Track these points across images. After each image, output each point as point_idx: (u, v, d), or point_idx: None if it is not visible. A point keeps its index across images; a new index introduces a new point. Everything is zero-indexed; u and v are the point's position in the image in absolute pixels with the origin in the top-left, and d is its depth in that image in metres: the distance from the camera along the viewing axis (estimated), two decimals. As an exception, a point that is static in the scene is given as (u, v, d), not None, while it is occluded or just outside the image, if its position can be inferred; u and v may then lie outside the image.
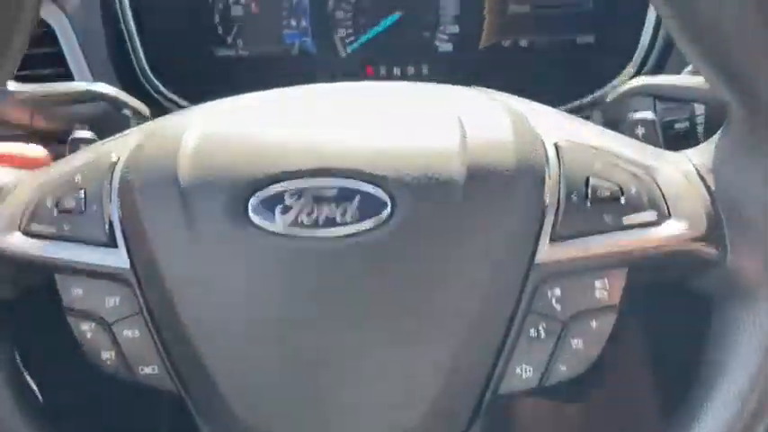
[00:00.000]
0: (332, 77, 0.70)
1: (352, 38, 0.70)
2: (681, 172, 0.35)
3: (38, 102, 0.45)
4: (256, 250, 0.33)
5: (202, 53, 0.70)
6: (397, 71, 0.71)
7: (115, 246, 0.35)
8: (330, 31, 0.70)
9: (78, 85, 0.47)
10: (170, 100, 0.64)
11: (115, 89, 0.48)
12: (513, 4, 0.68)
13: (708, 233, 0.33)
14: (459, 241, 0.33)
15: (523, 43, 0.69)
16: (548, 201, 0.34)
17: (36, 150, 0.46)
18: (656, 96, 0.43)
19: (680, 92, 0.43)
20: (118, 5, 0.59)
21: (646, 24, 0.60)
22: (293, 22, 0.70)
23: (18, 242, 0.36)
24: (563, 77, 0.67)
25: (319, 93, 0.40)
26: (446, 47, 0.70)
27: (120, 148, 0.37)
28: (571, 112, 0.61)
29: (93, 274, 0.36)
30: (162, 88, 0.63)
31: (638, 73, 0.58)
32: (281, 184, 0.33)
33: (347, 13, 0.69)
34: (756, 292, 0.33)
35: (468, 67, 0.69)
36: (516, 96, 0.41)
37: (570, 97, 0.64)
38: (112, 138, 0.39)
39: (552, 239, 0.33)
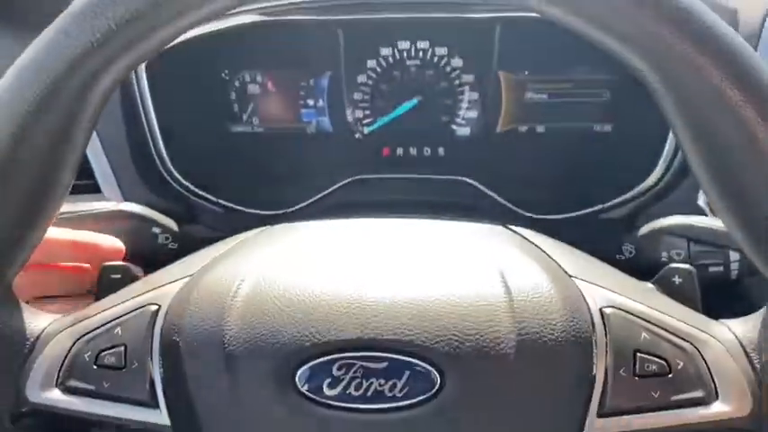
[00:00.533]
0: (348, 157, 0.70)
1: (369, 119, 0.70)
2: (726, 346, 0.35)
3: (67, 221, 0.44)
4: (303, 421, 0.33)
5: (218, 131, 0.70)
6: (413, 152, 0.71)
7: (156, 406, 0.35)
8: (347, 111, 0.69)
9: (108, 205, 0.47)
10: (197, 195, 0.63)
11: (143, 207, 0.47)
12: (530, 91, 0.69)
13: (754, 414, 0.34)
14: (507, 416, 0.33)
15: (540, 129, 0.69)
16: (596, 373, 0.34)
17: (112, 243, 0.45)
18: (691, 238, 0.43)
19: (715, 236, 0.43)
20: (139, 102, 0.58)
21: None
22: (310, 102, 0.69)
23: (55, 398, 0.36)
24: (581, 165, 0.67)
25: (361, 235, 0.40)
26: (464, 131, 0.70)
27: (161, 297, 0.37)
28: (592, 215, 0.61)
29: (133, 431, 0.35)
30: (187, 183, 0.62)
31: (664, 174, 0.58)
32: (331, 356, 0.33)
33: (365, 95, 0.69)
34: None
35: (484, 151, 0.69)
36: (552, 240, 0.41)
37: (590, 187, 0.64)
38: (151, 282, 0.38)
39: (600, 414, 0.34)
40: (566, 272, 0.37)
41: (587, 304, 0.35)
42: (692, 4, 0.30)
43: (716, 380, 0.34)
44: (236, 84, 0.69)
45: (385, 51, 0.68)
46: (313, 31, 0.65)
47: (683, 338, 0.35)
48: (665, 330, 0.35)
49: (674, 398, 0.34)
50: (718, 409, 0.34)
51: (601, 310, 0.35)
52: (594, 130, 0.69)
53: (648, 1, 0.29)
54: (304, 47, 0.67)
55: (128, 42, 0.31)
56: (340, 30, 0.66)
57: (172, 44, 0.55)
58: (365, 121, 0.70)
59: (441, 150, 0.70)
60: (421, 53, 0.68)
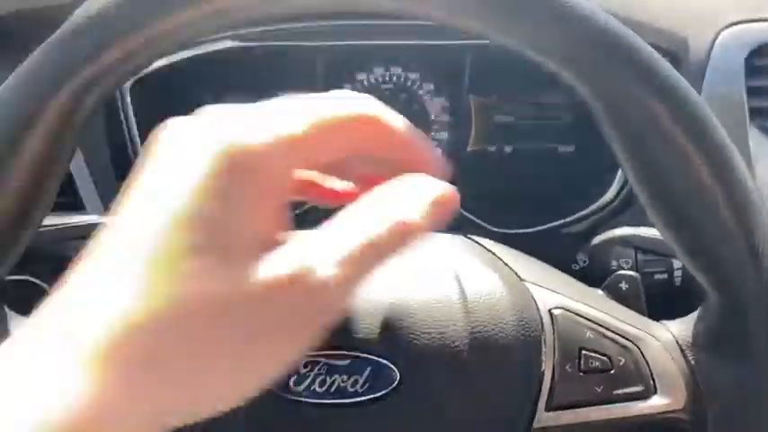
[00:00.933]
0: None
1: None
2: (664, 344, 0.38)
3: (50, 234, 0.46)
4: (270, 415, 0.35)
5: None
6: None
7: None
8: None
9: (91, 218, 0.49)
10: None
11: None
12: (498, 114, 0.72)
13: (689, 407, 0.36)
14: (461, 410, 0.36)
15: (508, 150, 0.73)
16: (544, 370, 0.36)
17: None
18: (638, 248, 0.47)
19: (661, 247, 0.46)
20: (123, 120, 0.61)
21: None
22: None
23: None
24: (546, 183, 0.70)
25: None
26: (435, 151, 0.73)
27: None
28: (554, 229, 0.64)
29: None
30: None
31: (620, 191, 0.62)
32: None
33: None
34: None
35: (454, 170, 0.72)
36: (508, 248, 0.44)
37: (553, 204, 0.67)
38: None
39: (548, 408, 0.36)
40: (519, 276, 0.40)
41: (537, 306, 0.38)
42: (633, 42, 0.32)
43: (654, 375, 0.37)
44: (219, 107, 0.72)
45: (361, 77, 0.71)
46: (293, 57, 0.69)
47: (624, 337, 0.38)
48: (608, 330, 0.38)
49: (616, 392, 0.36)
50: (657, 402, 0.36)
51: (550, 311, 0.38)
52: (558, 151, 0.72)
53: (592, 39, 0.32)
54: (284, 72, 0.70)
55: (109, 65, 0.33)
56: (318, 56, 0.69)
57: (156, 66, 0.58)
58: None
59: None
60: (395, 78, 0.71)
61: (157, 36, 0.33)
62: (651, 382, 0.37)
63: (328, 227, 0.24)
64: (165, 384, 0.21)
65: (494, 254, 0.42)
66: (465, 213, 0.66)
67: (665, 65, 0.32)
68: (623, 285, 0.43)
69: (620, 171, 0.61)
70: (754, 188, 0.33)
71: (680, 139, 0.31)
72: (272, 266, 0.22)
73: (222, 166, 0.22)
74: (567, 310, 0.38)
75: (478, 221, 0.66)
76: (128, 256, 0.21)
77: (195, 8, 0.32)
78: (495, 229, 0.64)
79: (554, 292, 0.39)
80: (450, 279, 0.38)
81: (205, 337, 0.21)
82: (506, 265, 0.41)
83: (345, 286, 0.23)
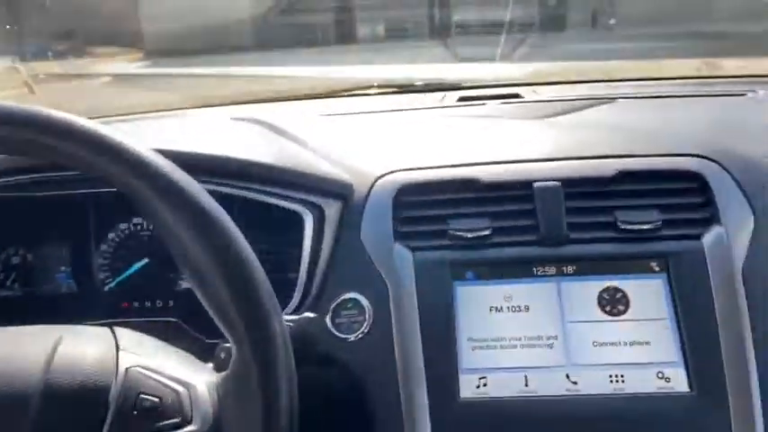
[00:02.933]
0: (94, 312, 0.86)
1: (110, 279, 0.88)
2: (208, 386, 0.51)
3: None
4: None
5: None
6: (147, 303, 0.88)
7: None
8: (94, 273, 0.87)
9: None
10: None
11: None
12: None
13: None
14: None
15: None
16: (108, 411, 0.48)
17: None
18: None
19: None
20: None
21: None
22: (62, 268, 0.87)
23: None
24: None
25: None
26: (186, 284, 0.88)
27: None
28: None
29: None
30: None
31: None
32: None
33: (106, 258, 0.88)
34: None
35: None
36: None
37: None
38: None
39: None
40: (118, 344, 0.53)
41: (117, 364, 0.51)
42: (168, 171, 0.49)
43: (194, 409, 0.49)
44: (3, 256, 0.87)
45: (123, 225, 0.88)
46: (67, 205, 0.85)
47: (178, 382, 0.50)
48: (167, 378, 0.51)
49: (161, 423, 0.49)
50: (190, 428, 0.49)
51: (126, 368, 0.51)
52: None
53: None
54: (59, 220, 0.86)
55: None
56: (88, 202, 0.86)
57: None
58: (107, 281, 0.88)
59: (170, 302, 0.88)
60: (151, 225, 0.88)
61: None
62: (189, 414, 0.49)
63: None
64: None
65: (115, 337, 0.55)
66: (197, 334, 0.80)
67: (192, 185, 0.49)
68: (221, 353, 0.57)
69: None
70: (252, 266, 0.48)
71: (206, 243, 0.47)
72: None
73: None
74: (140, 367, 0.51)
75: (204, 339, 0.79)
76: None
77: None
78: None
79: (137, 355, 0.52)
80: (49, 343, 0.51)
81: None
82: (114, 337, 0.54)
83: None
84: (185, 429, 0.48)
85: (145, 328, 0.82)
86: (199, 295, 0.50)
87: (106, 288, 0.88)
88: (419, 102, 1.21)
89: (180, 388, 0.50)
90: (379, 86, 1.36)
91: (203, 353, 0.60)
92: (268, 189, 0.79)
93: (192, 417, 0.49)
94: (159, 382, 0.50)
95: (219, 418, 0.49)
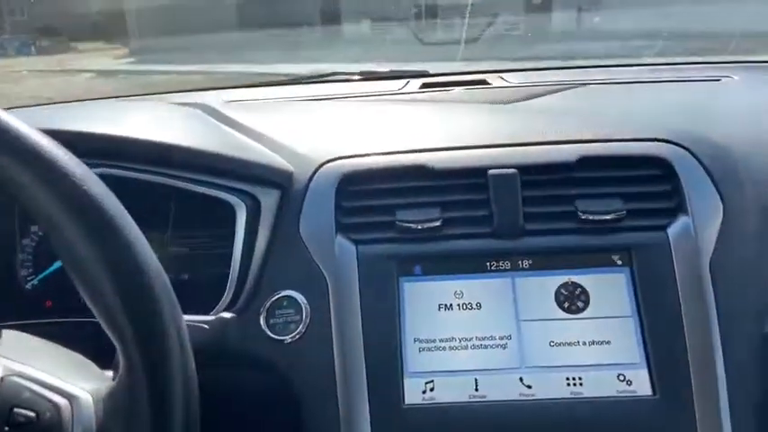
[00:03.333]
0: (17, 310, 0.79)
1: (32, 276, 0.81)
2: (95, 399, 0.44)
3: None
4: None
5: None
6: (73, 303, 0.81)
7: None
8: (14, 270, 0.80)
9: None
10: None
11: None
12: (173, 246, 0.82)
13: None
14: None
15: (185, 277, 0.82)
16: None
17: None
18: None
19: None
20: None
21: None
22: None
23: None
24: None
25: None
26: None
27: None
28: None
29: None
30: None
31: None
32: None
33: (28, 253, 0.81)
34: None
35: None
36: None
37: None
38: None
39: None
40: None
41: None
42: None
43: (74, 427, 0.43)
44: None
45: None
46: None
47: (60, 394, 0.44)
48: (47, 389, 0.44)
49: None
50: None
51: (2, 377, 0.44)
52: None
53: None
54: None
55: None
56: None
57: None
58: (29, 278, 0.81)
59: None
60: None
61: None
62: (70, 424, 0.43)
63: None
64: None
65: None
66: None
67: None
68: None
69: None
70: (142, 261, 0.42)
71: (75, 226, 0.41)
72: None
73: None
74: (18, 375, 0.45)
75: None
76: None
77: None
78: None
79: (16, 362, 0.46)
80: None
81: None
82: None
83: None
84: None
85: (69, 329, 0.76)
86: (83, 295, 0.44)
87: (28, 286, 0.81)
88: (381, 88, 1.14)
89: (61, 401, 0.43)
90: (342, 73, 1.29)
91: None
92: (196, 177, 0.73)
93: (73, 426, 0.42)
94: (37, 393, 0.44)
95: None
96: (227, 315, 0.57)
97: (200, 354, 0.57)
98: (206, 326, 0.55)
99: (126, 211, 0.44)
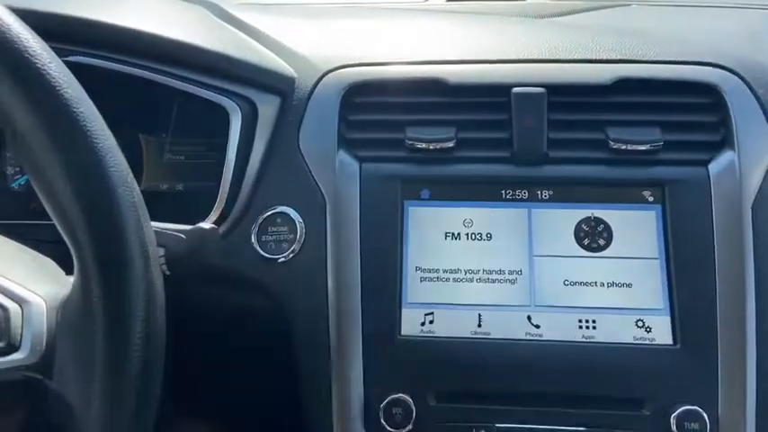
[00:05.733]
0: (2, 209, 0.75)
1: (18, 175, 0.76)
2: (49, 304, 0.40)
3: None
4: None
5: None
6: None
7: None
8: (6, 169, 0.76)
9: None
10: None
11: None
12: (168, 153, 0.77)
13: (42, 363, 0.38)
14: None
15: (179, 187, 0.76)
16: None
17: None
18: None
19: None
20: None
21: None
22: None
23: None
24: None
25: None
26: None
27: None
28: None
29: None
30: None
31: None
32: None
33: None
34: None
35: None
36: None
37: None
38: None
39: None
40: None
41: None
42: None
43: (24, 333, 0.39)
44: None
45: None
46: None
47: (9, 297, 0.39)
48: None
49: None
50: (14, 357, 0.38)
51: None
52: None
53: None
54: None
55: None
56: None
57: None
58: (15, 177, 0.76)
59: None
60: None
61: None
62: (18, 339, 0.38)
63: None
64: None
65: None
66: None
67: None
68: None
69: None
70: (103, 166, 0.36)
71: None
72: None
73: None
74: None
75: None
76: None
77: None
78: None
79: None
80: None
81: None
82: None
83: None
84: (9, 358, 0.38)
85: (52, 231, 0.72)
86: (45, 204, 0.38)
87: (14, 185, 0.76)
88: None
89: (10, 304, 0.39)
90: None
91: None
92: (188, 75, 0.66)
93: (20, 343, 0.38)
94: None
95: (54, 347, 0.38)
96: (206, 225, 0.52)
97: (176, 266, 0.52)
98: (183, 235, 0.50)
99: (90, 107, 0.38)
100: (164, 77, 0.65)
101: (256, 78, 0.66)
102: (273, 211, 0.64)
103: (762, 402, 0.56)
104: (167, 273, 0.51)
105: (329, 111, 0.66)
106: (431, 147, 0.64)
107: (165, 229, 0.51)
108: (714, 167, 0.62)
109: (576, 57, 0.68)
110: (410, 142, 0.64)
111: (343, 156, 0.65)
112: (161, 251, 0.50)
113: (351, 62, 0.68)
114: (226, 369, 0.71)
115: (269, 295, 0.63)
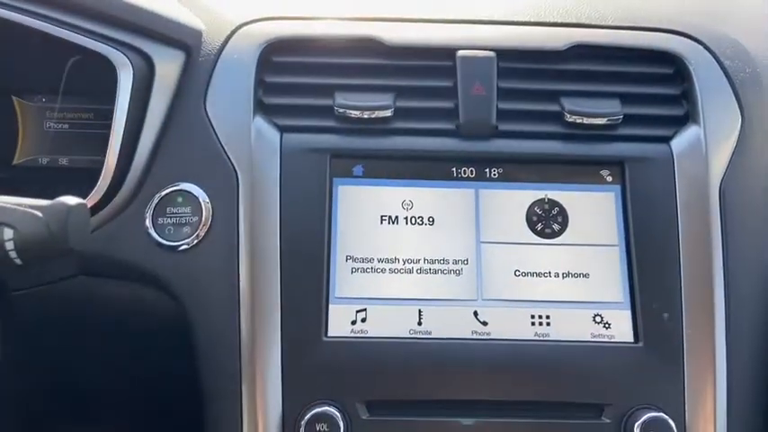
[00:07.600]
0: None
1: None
2: None
3: None
4: None
5: None
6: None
7: None
8: None
9: None
10: None
11: None
12: (50, 121, 0.65)
13: None
14: None
15: (63, 162, 0.65)
16: None
17: None
18: None
19: None
20: None
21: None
22: None
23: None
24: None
25: None
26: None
27: None
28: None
29: None
30: None
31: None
32: None
33: None
34: None
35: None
36: None
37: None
38: None
39: None
40: None
41: None
42: None
43: None
44: None
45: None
46: None
47: None
48: None
49: None
50: None
51: None
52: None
53: None
54: None
55: None
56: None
57: None
58: None
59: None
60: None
61: None
62: None
63: None
64: None
65: None
66: None
67: None
68: None
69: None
70: None
71: None
72: None
73: None
74: None
75: None
76: None
77: None
78: None
79: None
80: None
81: None
82: None
83: None
84: None
85: None
86: None
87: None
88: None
89: None
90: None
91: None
92: (69, 20, 0.53)
93: None
94: None
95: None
96: (71, 201, 0.40)
97: (31, 253, 0.41)
98: (38, 213, 0.38)
99: None
100: (38, 21, 0.52)
101: (153, 27, 0.55)
102: (173, 189, 0.53)
103: (733, 407, 0.50)
104: (17, 261, 0.40)
105: (243, 71, 0.56)
106: (364, 116, 0.56)
107: (14, 205, 0.39)
108: (677, 144, 0.56)
109: (528, 19, 0.61)
110: (340, 110, 0.55)
111: (260, 124, 0.55)
112: (7, 233, 0.38)
113: (270, 15, 0.59)
114: (112, 381, 0.60)
115: (166, 291, 0.52)
